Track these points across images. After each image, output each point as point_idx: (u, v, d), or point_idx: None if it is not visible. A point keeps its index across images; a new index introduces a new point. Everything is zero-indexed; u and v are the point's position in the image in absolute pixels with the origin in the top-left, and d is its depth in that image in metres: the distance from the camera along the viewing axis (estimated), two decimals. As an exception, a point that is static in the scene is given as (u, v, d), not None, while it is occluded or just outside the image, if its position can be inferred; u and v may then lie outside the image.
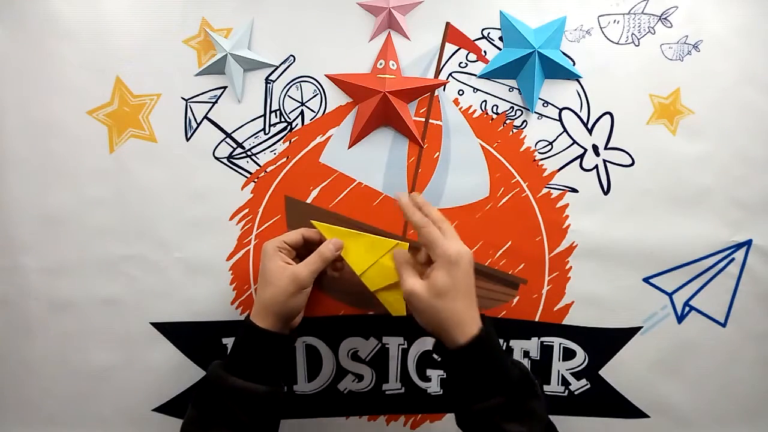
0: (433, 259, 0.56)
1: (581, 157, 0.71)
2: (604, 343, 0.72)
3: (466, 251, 0.55)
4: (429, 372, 0.72)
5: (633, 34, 0.70)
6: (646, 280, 0.72)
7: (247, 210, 0.70)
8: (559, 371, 0.72)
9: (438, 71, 0.70)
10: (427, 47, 0.69)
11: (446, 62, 0.70)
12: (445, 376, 0.72)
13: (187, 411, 0.58)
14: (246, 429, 0.56)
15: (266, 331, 0.58)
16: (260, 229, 0.70)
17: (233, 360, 0.58)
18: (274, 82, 0.69)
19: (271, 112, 0.70)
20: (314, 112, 0.70)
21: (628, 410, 0.72)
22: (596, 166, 0.71)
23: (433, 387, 0.72)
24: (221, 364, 0.59)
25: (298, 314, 0.61)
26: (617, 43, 0.70)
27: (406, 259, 0.59)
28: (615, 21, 0.70)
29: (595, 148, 0.71)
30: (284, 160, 0.70)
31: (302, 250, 0.64)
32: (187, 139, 0.69)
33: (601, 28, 0.70)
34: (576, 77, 0.70)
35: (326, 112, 0.70)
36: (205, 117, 0.69)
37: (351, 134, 0.70)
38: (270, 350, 0.58)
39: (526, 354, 0.72)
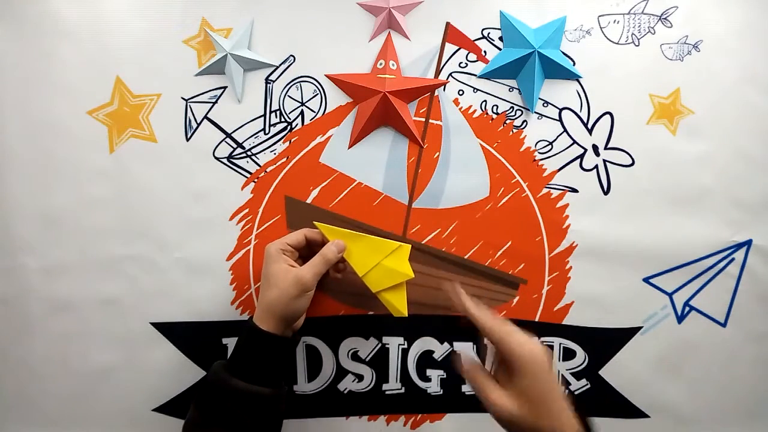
0: (513, 360, 0.50)
1: (581, 157, 0.71)
2: (604, 343, 0.72)
3: (541, 348, 0.51)
4: (429, 372, 0.72)
5: (633, 34, 0.70)
6: (646, 280, 0.72)
7: (247, 210, 0.70)
8: (559, 371, 0.72)
9: (438, 71, 0.70)
10: (427, 47, 0.69)
11: (446, 62, 0.70)
12: (445, 376, 0.72)
13: (188, 411, 0.58)
14: (248, 430, 0.56)
15: (269, 334, 0.58)
16: (260, 229, 0.70)
17: (235, 362, 0.58)
18: (274, 82, 0.69)
19: (271, 112, 0.70)
20: (314, 112, 0.70)
21: (628, 410, 0.72)
22: (596, 166, 0.71)
23: (433, 387, 0.72)
24: (223, 365, 0.59)
25: (301, 316, 0.61)
26: (617, 43, 0.70)
27: (480, 371, 0.53)
28: (615, 21, 0.70)
29: (595, 148, 0.71)
30: (284, 160, 0.70)
31: (304, 251, 0.64)
32: (187, 139, 0.69)
33: (601, 28, 0.70)
34: (576, 77, 0.70)
35: (326, 112, 0.70)
36: (205, 117, 0.69)
37: (351, 134, 0.70)
38: (273, 353, 0.58)
39: (526, 354, 0.72)
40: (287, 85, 0.69)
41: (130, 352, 0.71)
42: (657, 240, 0.71)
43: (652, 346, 0.72)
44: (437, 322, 0.71)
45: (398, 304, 0.63)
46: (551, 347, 0.72)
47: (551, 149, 0.71)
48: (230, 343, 0.71)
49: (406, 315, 0.62)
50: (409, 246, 0.62)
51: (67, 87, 0.68)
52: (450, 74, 0.70)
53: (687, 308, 0.72)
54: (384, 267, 0.62)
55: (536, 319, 0.72)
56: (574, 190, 0.71)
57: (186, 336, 0.71)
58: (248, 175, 0.70)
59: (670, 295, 0.72)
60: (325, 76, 0.69)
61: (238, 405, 0.56)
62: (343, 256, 0.62)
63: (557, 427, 0.49)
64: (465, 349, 0.72)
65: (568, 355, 0.72)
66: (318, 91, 0.69)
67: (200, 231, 0.70)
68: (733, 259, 0.71)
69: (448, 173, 0.71)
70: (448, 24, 0.69)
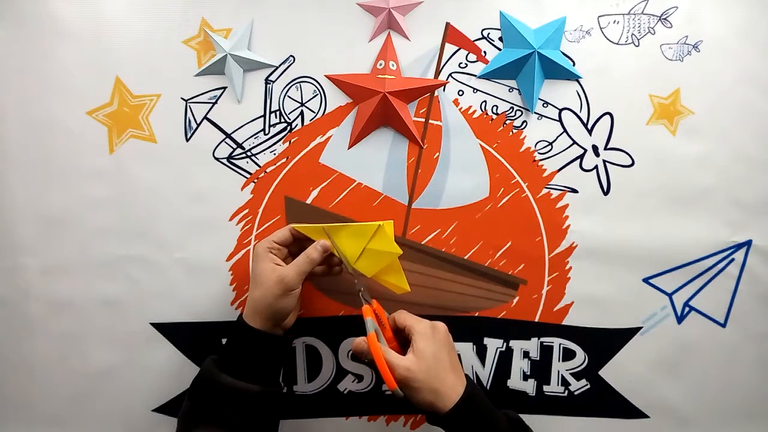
0: (414, 332, 0.60)
1: (581, 157, 0.71)
2: (604, 343, 0.72)
3: (441, 323, 0.61)
4: (429, 372, 0.72)
5: (633, 34, 0.70)
6: (646, 280, 0.72)
7: (247, 210, 0.70)
8: (559, 371, 0.72)
9: (438, 71, 0.70)
10: (427, 47, 0.69)
11: (446, 62, 0.70)
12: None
13: (183, 402, 0.59)
14: (237, 426, 0.56)
15: (257, 331, 0.58)
16: (260, 230, 0.70)
17: (225, 357, 0.59)
18: (273, 82, 0.69)
19: (270, 112, 0.70)
20: (314, 112, 0.70)
21: (628, 410, 0.72)
22: (596, 167, 0.71)
23: (433, 387, 0.72)
24: (214, 360, 0.59)
25: (289, 315, 0.61)
26: (617, 44, 0.70)
27: (377, 341, 0.58)
28: (615, 21, 0.70)
29: (594, 148, 0.71)
30: (284, 160, 0.70)
31: (294, 247, 0.64)
32: (187, 140, 0.69)
33: (601, 28, 0.70)
34: (576, 77, 0.70)
35: (326, 112, 0.70)
36: (205, 117, 0.69)
37: (351, 134, 0.70)
38: (260, 350, 0.59)
39: (526, 354, 0.72)
40: (287, 85, 0.69)
41: (130, 352, 0.71)
42: (657, 240, 0.71)
43: (652, 346, 0.72)
44: (437, 323, 0.72)
45: (398, 282, 0.65)
46: (551, 347, 0.72)
47: (551, 149, 0.71)
48: (230, 343, 0.71)
49: (409, 290, 0.65)
50: (391, 222, 0.63)
51: (67, 87, 0.68)
52: (450, 74, 0.70)
53: (687, 308, 0.72)
54: (371, 251, 0.63)
55: (536, 320, 0.72)
56: (574, 191, 0.71)
57: (186, 336, 0.71)
58: (248, 176, 0.70)
59: (669, 295, 0.72)
60: (325, 76, 0.69)
61: (224, 400, 0.56)
62: (332, 251, 0.62)
63: (442, 382, 0.57)
64: (462, 349, 0.72)
65: (568, 355, 0.72)
66: (318, 92, 0.69)
67: (200, 231, 0.70)
68: (732, 260, 0.71)
69: (448, 174, 0.71)
70: (448, 24, 0.69)
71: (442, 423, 0.57)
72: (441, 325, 0.61)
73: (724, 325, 0.72)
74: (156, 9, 0.68)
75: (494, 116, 0.70)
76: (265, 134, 0.70)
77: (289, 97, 0.70)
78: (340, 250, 0.63)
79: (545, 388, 0.73)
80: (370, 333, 0.58)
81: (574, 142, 0.70)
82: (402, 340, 0.63)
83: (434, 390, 0.56)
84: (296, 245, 0.64)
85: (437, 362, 0.58)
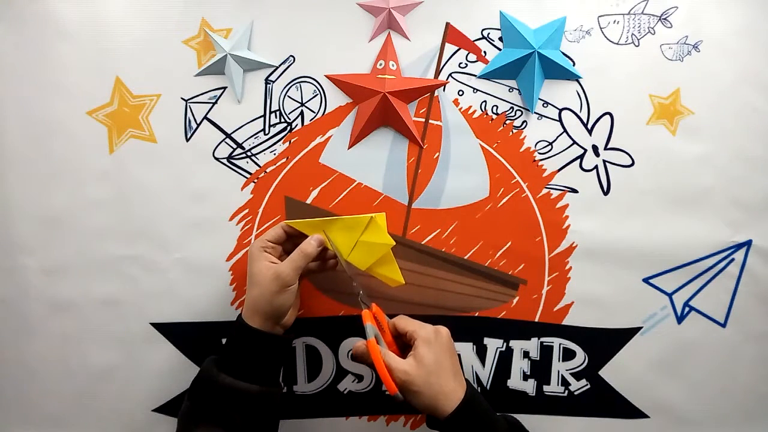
0: (417, 336, 0.59)
1: (581, 157, 0.71)
2: (604, 343, 0.72)
3: (444, 328, 0.61)
4: (429, 372, 0.72)
5: (633, 34, 0.70)
6: (646, 280, 0.72)
7: (247, 210, 0.70)
8: (558, 371, 0.72)
9: (438, 71, 0.70)
10: (427, 47, 0.69)
11: (446, 62, 0.70)
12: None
13: (183, 402, 0.59)
14: (237, 426, 0.56)
15: (256, 330, 0.58)
16: (260, 230, 0.70)
17: (225, 357, 0.59)
18: (273, 82, 0.69)
19: (270, 112, 0.70)
20: (314, 112, 0.70)
21: (628, 410, 0.72)
22: (596, 167, 0.71)
23: (433, 387, 0.72)
24: (214, 360, 0.59)
25: (287, 313, 0.61)
26: (617, 44, 0.70)
27: (377, 345, 0.58)
28: (615, 21, 0.70)
29: (594, 148, 0.71)
30: (284, 160, 0.70)
31: (287, 245, 0.64)
32: (187, 140, 0.69)
33: (601, 28, 0.70)
34: (576, 77, 0.70)
35: (326, 112, 0.70)
36: (205, 117, 0.69)
37: (351, 134, 0.70)
38: (260, 349, 0.59)
39: (526, 354, 0.72)
40: (287, 85, 0.69)
41: (130, 352, 0.71)
42: (657, 240, 0.71)
43: (651, 346, 0.72)
44: (437, 322, 0.71)
45: (392, 274, 0.65)
46: (551, 347, 0.72)
47: (551, 149, 0.71)
48: (230, 343, 0.71)
49: (404, 282, 0.65)
50: (383, 214, 0.63)
51: (67, 87, 0.68)
52: (450, 74, 0.70)
53: (687, 308, 0.72)
54: (364, 243, 0.63)
55: (536, 320, 0.72)
56: (574, 191, 0.71)
57: (186, 336, 0.71)
58: (248, 176, 0.70)
59: (669, 295, 0.72)
60: (325, 76, 0.69)
61: (224, 401, 0.56)
62: (326, 246, 0.63)
63: (443, 387, 0.57)
64: (462, 349, 0.72)
65: (568, 355, 0.72)
66: (318, 92, 0.69)
67: (200, 231, 0.70)
68: (733, 260, 0.71)
69: (448, 174, 0.71)
70: (448, 24, 0.69)
71: (441, 427, 0.57)
72: (444, 330, 0.61)
73: (724, 325, 0.72)
74: (156, 9, 0.68)
75: (494, 116, 0.70)
76: (265, 134, 0.70)
77: (289, 97, 0.70)
78: (333, 243, 0.63)
79: (545, 388, 0.73)
80: (370, 339, 0.58)
81: (574, 142, 0.70)
82: (402, 345, 0.63)
83: (434, 394, 0.56)
84: (290, 243, 0.64)
85: (439, 367, 0.58)
